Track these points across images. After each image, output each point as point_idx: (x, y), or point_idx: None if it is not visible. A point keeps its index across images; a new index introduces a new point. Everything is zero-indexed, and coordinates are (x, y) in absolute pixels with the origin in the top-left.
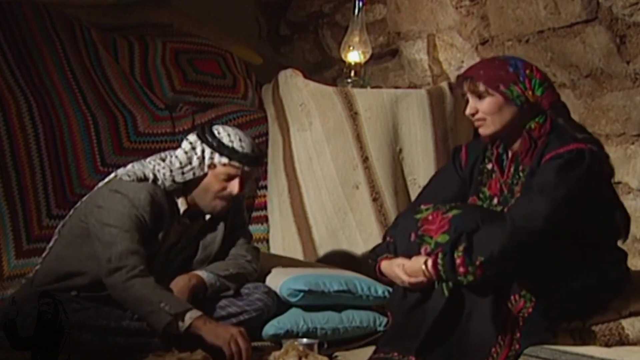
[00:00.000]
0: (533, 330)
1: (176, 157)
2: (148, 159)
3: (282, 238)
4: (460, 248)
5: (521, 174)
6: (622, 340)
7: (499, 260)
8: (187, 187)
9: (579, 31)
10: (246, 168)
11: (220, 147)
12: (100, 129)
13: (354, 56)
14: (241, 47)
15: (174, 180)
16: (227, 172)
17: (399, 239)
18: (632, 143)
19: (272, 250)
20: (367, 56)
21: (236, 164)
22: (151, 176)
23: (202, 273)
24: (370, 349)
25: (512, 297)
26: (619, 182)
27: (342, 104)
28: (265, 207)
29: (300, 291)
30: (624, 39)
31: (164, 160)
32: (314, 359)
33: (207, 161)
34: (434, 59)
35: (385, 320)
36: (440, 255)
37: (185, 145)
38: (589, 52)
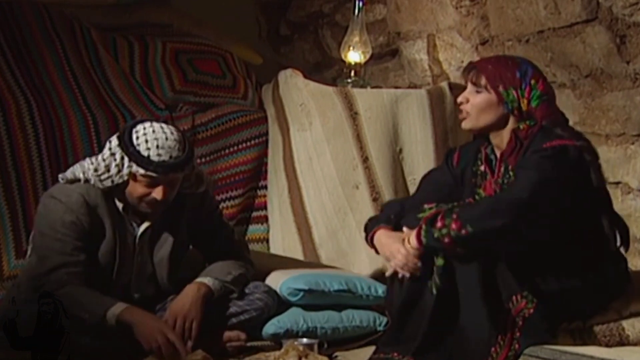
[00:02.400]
0: (533, 330)
1: (98, 162)
2: (87, 159)
3: (282, 238)
4: (441, 214)
5: (511, 173)
6: (623, 341)
7: (479, 223)
8: (119, 187)
9: (579, 31)
10: (164, 176)
11: (136, 157)
12: (100, 129)
13: (354, 56)
14: (241, 47)
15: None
16: (147, 180)
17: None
18: (632, 143)
19: (272, 250)
20: (367, 56)
21: (152, 174)
22: (82, 176)
23: (207, 280)
24: (370, 349)
25: (513, 298)
26: (619, 182)
27: (342, 104)
28: (265, 207)
29: (300, 290)
30: (624, 39)
31: (92, 161)
32: (314, 359)
33: (125, 170)
34: (434, 59)
35: (385, 320)
36: (423, 227)
37: (105, 151)
38: (589, 52)
